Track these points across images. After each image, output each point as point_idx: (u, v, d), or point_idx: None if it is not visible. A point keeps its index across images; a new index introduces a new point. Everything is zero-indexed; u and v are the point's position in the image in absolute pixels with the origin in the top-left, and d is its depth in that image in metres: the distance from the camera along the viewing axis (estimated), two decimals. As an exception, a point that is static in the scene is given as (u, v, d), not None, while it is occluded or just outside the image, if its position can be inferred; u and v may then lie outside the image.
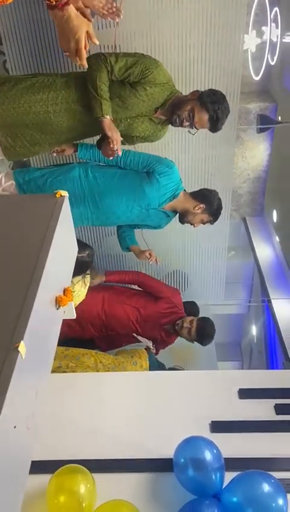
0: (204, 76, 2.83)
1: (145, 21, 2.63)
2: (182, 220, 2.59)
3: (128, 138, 2.25)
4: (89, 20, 1.56)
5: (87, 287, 2.07)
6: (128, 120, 2.17)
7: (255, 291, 5.48)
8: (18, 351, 0.85)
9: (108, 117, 2.01)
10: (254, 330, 5.80)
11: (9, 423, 0.81)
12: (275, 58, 4.76)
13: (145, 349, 2.76)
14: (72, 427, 1.73)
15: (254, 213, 5.74)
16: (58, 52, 2.74)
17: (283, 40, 4.48)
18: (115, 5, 1.67)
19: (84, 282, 2.02)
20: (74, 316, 1.40)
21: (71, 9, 1.32)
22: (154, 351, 2.87)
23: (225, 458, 1.47)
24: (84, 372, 2.32)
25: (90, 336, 2.96)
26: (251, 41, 4.78)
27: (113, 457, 1.60)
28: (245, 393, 1.88)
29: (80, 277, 1.98)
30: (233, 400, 1.87)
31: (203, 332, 2.89)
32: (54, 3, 1.27)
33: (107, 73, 2.00)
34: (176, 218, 2.64)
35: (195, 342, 2.96)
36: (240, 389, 1.89)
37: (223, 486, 1.41)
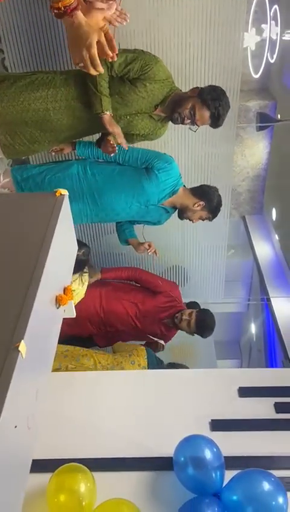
0: (204, 74, 2.83)
1: (145, 19, 2.63)
2: (181, 216, 2.59)
3: (128, 136, 2.24)
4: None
5: (85, 286, 2.06)
6: (128, 117, 2.16)
7: (254, 289, 5.48)
8: (18, 351, 0.85)
9: (108, 113, 2.01)
10: (253, 328, 5.80)
11: (10, 423, 0.81)
12: (275, 56, 4.75)
13: (144, 345, 2.75)
14: (72, 425, 1.72)
15: (254, 211, 5.74)
16: (57, 49, 2.74)
17: (283, 38, 4.47)
18: (119, 8, 1.62)
19: (81, 280, 2.02)
20: (74, 315, 1.40)
21: (80, 15, 1.29)
22: (162, 349, 2.86)
23: (225, 457, 1.46)
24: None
25: (89, 334, 2.96)
26: (250, 39, 4.76)
27: (113, 456, 1.60)
28: (245, 392, 1.87)
29: (76, 275, 1.97)
30: (233, 398, 1.86)
31: (203, 323, 2.85)
32: (63, 10, 1.24)
33: (107, 69, 2.00)
34: (175, 214, 2.63)
35: (195, 335, 2.91)
36: (240, 387, 1.89)
37: (223, 485, 1.41)
